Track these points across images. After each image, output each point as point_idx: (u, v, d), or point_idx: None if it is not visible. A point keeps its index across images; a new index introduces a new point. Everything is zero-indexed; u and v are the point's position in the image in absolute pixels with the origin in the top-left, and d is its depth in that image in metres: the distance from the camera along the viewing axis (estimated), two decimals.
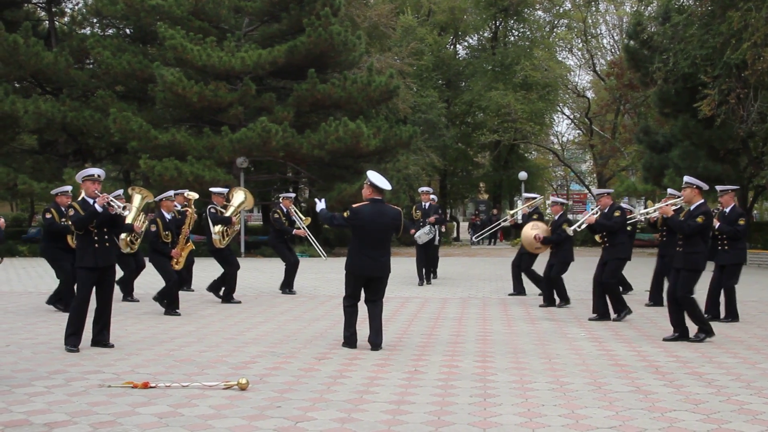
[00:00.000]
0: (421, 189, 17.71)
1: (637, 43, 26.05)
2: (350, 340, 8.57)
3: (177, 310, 11.38)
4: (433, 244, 16.63)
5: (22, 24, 27.82)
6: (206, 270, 16.43)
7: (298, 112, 27.60)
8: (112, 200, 8.46)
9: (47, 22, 32.64)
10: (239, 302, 12.92)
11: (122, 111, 26.18)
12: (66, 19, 33.63)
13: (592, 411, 5.88)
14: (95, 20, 32.31)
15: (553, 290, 13.14)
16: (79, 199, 8.65)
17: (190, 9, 27.29)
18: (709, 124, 23.31)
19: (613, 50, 44.65)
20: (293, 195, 14.83)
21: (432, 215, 16.35)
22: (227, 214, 13.12)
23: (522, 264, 14.01)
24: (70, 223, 8.53)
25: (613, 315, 10.93)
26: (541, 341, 9.08)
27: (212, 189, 13.84)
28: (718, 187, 11.12)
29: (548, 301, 12.69)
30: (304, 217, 15.00)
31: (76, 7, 33.98)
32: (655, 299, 12.65)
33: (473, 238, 31.46)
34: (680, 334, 9.10)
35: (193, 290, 14.48)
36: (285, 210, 14.35)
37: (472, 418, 5.67)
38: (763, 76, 20.49)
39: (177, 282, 11.51)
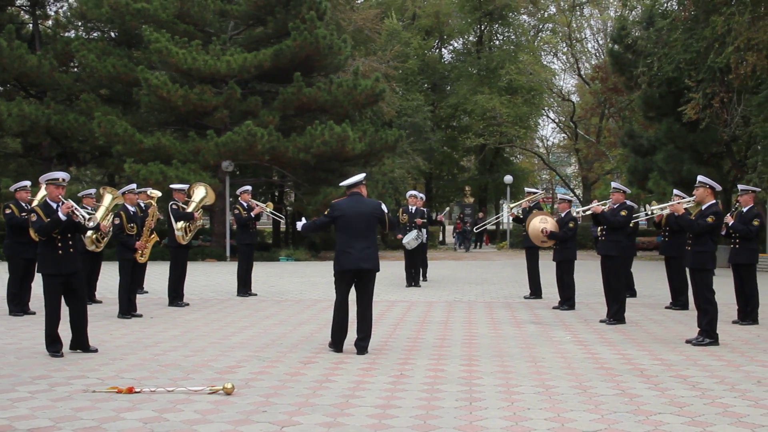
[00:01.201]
0: (408, 193, 17.70)
1: (621, 48, 26.21)
2: (337, 344, 8.55)
3: (135, 313, 11.51)
4: (421, 246, 16.62)
5: (6, 27, 27.63)
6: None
7: (284, 115, 27.56)
8: (76, 208, 8.35)
9: (31, 25, 32.44)
10: (188, 304, 12.99)
11: (107, 114, 26.06)
12: (50, 22, 33.41)
13: (577, 414, 5.89)
14: (80, 23, 32.12)
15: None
16: (41, 202, 8.56)
17: (175, 12, 27.18)
18: (693, 127, 23.46)
19: (597, 54, 44.90)
20: (249, 187, 14.96)
21: (417, 219, 16.36)
22: (189, 209, 13.17)
23: (528, 261, 14.18)
24: (32, 229, 8.42)
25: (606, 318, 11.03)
26: (527, 345, 9.09)
27: (172, 186, 13.91)
28: (740, 186, 11.35)
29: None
30: (265, 204, 15.13)
31: (61, 10, 33.83)
32: (676, 301, 12.76)
33: (474, 229, 31.34)
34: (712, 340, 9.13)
35: (146, 291, 14.52)
36: (245, 204, 14.49)
37: (458, 422, 5.67)
38: (747, 80, 20.66)
39: (126, 286, 11.46)
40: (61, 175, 8.54)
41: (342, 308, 8.53)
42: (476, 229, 29.41)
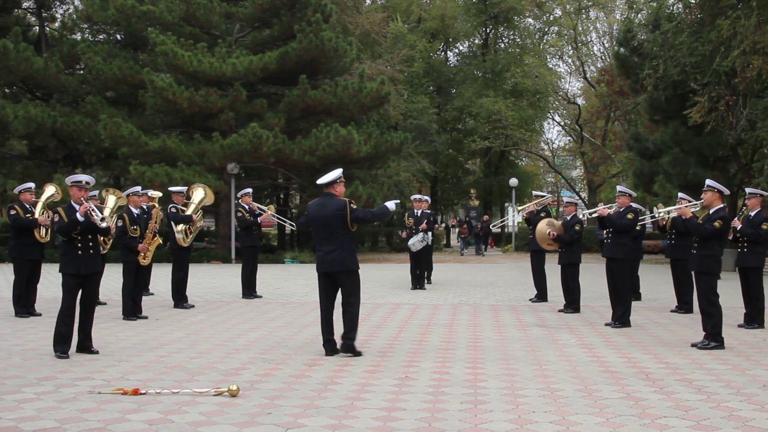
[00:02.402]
0: (413, 196, 17.73)
1: (627, 50, 26.20)
2: (326, 347, 8.46)
3: (140, 315, 11.55)
4: (426, 250, 16.62)
5: (12, 29, 27.74)
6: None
7: (289, 118, 27.59)
8: (93, 210, 8.42)
9: (37, 27, 32.56)
10: (193, 306, 13.06)
11: (112, 117, 26.13)
12: (56, 24, 33.55)
13: (582, 417, 5.88)
14: (86, 26, 32.24)
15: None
16: (66, 204, 8.65)
17: (181, 15, 27.24)
18: (698, 131, 23.44)
19: (603, 57, 44.87)
20: (250, 190, 15.01)
21: (423, 222, 16.40)
22: (188, 212, 13.19)
23: (535, 264, 14.24)
24: (54, 229, 8.51)
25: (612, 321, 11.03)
26: (532, 348, 9.08)
27: (171, 188, 13.92)
28: (748, 190, 11.36)
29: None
30: (266, 207, 15.11)
31: (67, 13, 33.94)
32: (681, 305, 12.72)
33: (490, 226, 31.23)
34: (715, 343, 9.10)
35: (152, 293, 14.53)
36: (247, 207, 14.52)
37: (463, 425, 5.67)
38: (752, 84, 20.62)
39: (130, 288, 11.45)
40: (84, 177, 8.64)
41: (322, 309, 8.52)
42: (492, 227, 29.35)
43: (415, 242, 16.06)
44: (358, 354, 8.35)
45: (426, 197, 17.57)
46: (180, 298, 12.97)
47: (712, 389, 6.88)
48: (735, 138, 22.37)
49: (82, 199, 8.41)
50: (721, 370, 7.74)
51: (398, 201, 9.33)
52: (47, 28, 32.29)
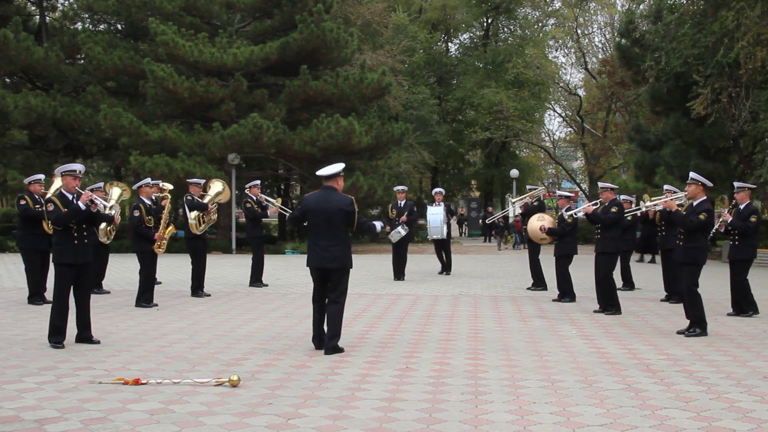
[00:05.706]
0: (396, 188, 17.88)
1: (628, 42, 26.12)
2: (315, 341, 8.24)
3: (153, 303, 11.67)
4: (404, 242, 16.65)
5: (13, 19, 27.68)
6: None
7: (290, 108, 27.54)
8: (95, 198, 8.41)
9: (38, 17, 32.50)
10: (209, 295, 13.21)
11: (113, 107, 26.10)
12: (57, 14, 33.51)
13: (583, 408, 5.89)
14: (86, 15, 32.21)
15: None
16: (57, 193, 8.62)
17: (181, 5, 27.19)
18: (700, 122, 23.40)
19: (604, 48, 44.76)
20: (258, 182, 15.09)
21: (405, 214, 16.55)
22: (204, 201, 13.28)
23: (530, 254, 14.46)
24: (48, 219, 8.49)
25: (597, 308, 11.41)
26: (533, 339, 9.09)
27: (189, 180, 14.09)
28: (736, 184, 11.54)
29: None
30: (274, 199, 15.22)
31: (67, 3, 33.85)
32: (671, 296, 12.80)
33: (486, 220, 30.93)
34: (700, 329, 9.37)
35: (160, 282, 14.59)
36: (255, 198, 14.64)
37: (464, 416, 5.67)
38: (755, 75, 20.56)
39: (153, 276, 11.71)
40: (78, 167, 8.63)
41: (314, 303, 8.28)
42: (488, 221, 29.34)
43: (394, 234, 16.26)
44: (341, 350, 8.08)
45: (405, 187, 17.77)
46: (198, 286, 13.14)
47: (713, 380, 6.89)
48: (737, 130, 22.33)
49: (77, 188, 8.40)
50: (722, 362, 7.74)
51: (382, 224, 9.34)
52: (48, 18, 32.22)
